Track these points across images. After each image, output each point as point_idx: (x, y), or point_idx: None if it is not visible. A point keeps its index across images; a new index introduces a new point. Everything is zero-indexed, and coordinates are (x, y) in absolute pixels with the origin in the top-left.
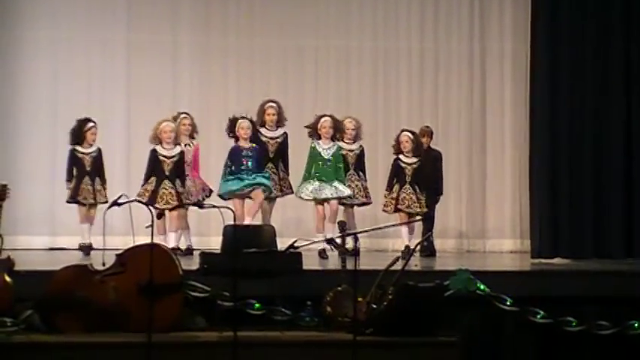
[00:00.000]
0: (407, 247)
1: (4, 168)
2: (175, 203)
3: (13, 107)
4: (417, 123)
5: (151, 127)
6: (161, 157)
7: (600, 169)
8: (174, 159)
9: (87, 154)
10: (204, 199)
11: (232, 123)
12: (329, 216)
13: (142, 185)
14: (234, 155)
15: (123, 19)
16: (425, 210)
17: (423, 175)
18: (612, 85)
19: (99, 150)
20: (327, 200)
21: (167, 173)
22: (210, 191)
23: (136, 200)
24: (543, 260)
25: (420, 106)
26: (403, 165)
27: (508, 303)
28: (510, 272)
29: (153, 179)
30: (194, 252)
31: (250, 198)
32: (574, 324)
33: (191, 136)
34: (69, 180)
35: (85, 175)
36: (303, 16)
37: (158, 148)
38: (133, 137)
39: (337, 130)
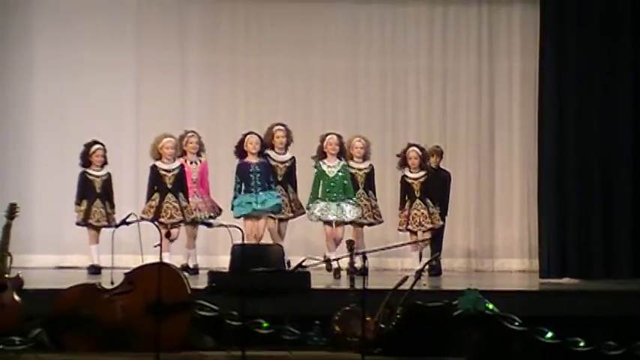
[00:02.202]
0: (417, 271)
1: (13, 187)
2: (180, 218)
3: (23, 127)
4: (426, 142)
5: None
6: (162, 172)
7: (609, 188)
8: (175, 172)
9: (98, 176)
10: (214, 217)
11: (240, 140)
12: (333, 239)
13: (146, 202)
14: (243, 172)
15: (131, 39)
16: (440, 224)
17: (432, 188)
18: (621, 104)
19: (109, 174)
20: (330, 223)
21: (169, 186)
22: (220, 210)
23: (143, 219)
24: (552, 280)
25: (428, 125)
26: (410, 181)
27: (516, 323)
28: (519, 292)
29: (156, 195)
30: (200, 271)
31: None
32: (582, 344)
33: (198, 154)
34: (78, 203)
35: (96, 197)
36: (311, 36)
37: (158, 163)
38: (142, 156)
39: (343, 149)
